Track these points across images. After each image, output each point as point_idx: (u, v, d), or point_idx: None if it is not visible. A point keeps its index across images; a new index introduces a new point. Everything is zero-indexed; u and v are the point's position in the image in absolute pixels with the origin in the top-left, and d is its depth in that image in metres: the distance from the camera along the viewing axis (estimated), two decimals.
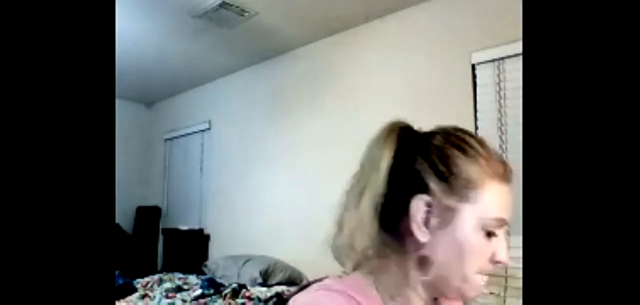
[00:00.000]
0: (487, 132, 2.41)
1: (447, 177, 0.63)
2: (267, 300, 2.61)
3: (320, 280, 0.71)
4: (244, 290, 2.78)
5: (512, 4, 1.72)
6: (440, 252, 0.64)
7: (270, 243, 3.47)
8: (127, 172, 4.51)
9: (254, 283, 2.99)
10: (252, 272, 3.09)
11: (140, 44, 3.44)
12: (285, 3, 2.85)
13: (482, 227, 0.63)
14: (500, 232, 0.64)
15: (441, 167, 0.64)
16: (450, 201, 0.63)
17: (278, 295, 2.66)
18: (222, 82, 4.23)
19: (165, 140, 4.82)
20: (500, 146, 2.36)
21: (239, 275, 3.15)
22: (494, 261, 0.64)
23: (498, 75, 2.41)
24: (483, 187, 0.63)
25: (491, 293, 2.25)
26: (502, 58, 2.38)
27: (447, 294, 0.67)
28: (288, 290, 2.74)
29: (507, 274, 2.22)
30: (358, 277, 0.68)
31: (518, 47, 2.26)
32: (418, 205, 0.64)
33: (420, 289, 0.67)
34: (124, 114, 4.49)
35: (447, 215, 0.63)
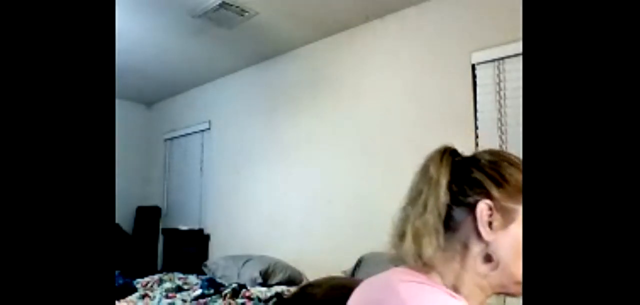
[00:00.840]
0: (487, 132, 2.42)
1: (503, 184, 0.74)
2: (267, 300, 2.62)
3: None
4: (244, 290, 2.78)
5: (512, 4, 1.72)
6: (502, 250, 0.73)
7: (270, 243, 3.47)
8: (127, 172, 4.51)
9: (254, 283, 2.99)
10: (252, 272, 3.09)
11: (140, 44, 3.44)
12: (285, 3, 2.85)
13: None
14: None
15: (496, 176, 0.74)
16: (508, 204, 0.73)
17: (278, 295, 2.66)
18: (222, 82, 4.23)
19: (165, 140, 4.83)
20: (500, 146, 2.36)
21: (239, 275, 3.16)
22: None
23: (498, 75, 2.41)
24: None
25: None
26: (502, 58, 2.38)
27: (509, 289, 0.74)
28: (288, 290, 2.74)
29: None
30: (424, 273, 0.76)
31: (518, 47, 2.26)
32: (483, 209, 0.73)
33: (482, 285, 0.74)
34: (124, 114, 4.50)
35: (506, 218, 0.73)
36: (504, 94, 2.39)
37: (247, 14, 2.93)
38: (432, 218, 0.74)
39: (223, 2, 2.78)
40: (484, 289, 0.75)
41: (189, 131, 4.53)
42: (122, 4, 2.77)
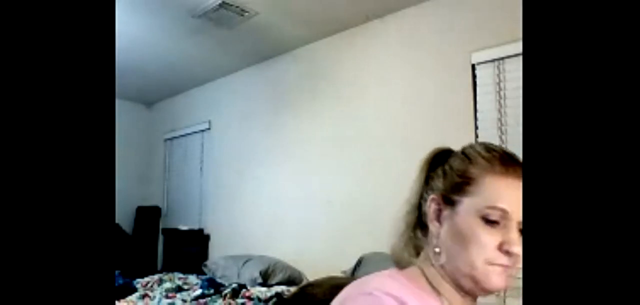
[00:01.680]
0: (487, 132, 2.41)
1: (447, 175, 0.76)
2: (267, 300, 2.61)
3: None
4: (244, 290, 2.78)
5: (512, 4, 1.72)
6: (448, 240, 0.73)
7: (270, 243, 3.47)
8: (127, 172, 4.51)
9: (254, 283, 2.99)
10: (252, 272, 3.09)
11: (140, 44, 3.44)
12: (285, 3, 2.85)
13: (481, 216, 0.70)
14: (509, 225, 0.69)
15: (446, 170, 0.76)
16: (452, 195, 0.73)
17: (278, 295, 2.66)
18: (222, 82, 4.23)
19: (165, 140, 4.82)
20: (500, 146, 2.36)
21: (239, 275, 3.15)
22: (503, 251, 0.69)
23: (498, 75, 2.41)
24: (482, 182, 0.71)
25: None
26: (502, 58, 2.38)
27: (463, 283, 0.72)
28: (288, 290, 2.74)
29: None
30: (413, 271, 0.78)
31: (518, 47, 2.26)
32: (430, 203, 0.76)
33: (455, 282, 0.73)
34: (124, 114, 4.50)
35: (452, 208, 0.73)
36: (504, 94, 2.39)
37: (247, 14, 2.93)
38: (407, 218, 0.79)
39: (223, 2, 2.78)
40: (459, 286, 0.73)
41: (189, 131, 4.52)
42: (122, 4, 2.77)
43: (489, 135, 2.40)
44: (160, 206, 4.76)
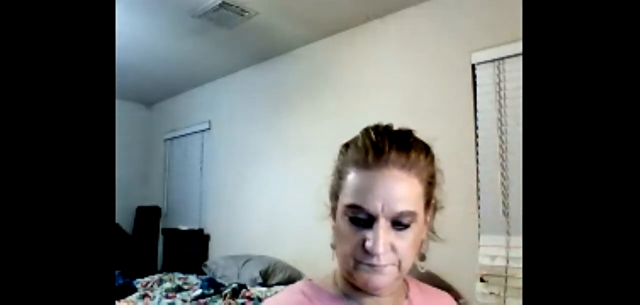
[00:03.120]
0: (487, 132, 2.41)
1: (334, 169, 0.73)
2: None
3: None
4: (244, 290, 2.78)
5: (512, 4, 1.72)
6: (335, 239, 0.71)
7: (270, 243, 3.47)
8: (127, 172, 4.51)
9: (254, 283, 2.99)
10: (252, 272, 3.09)
11: (140, 44, 3.44)
12: (285, 3, 2.85)
13: (346, 214, 0.67)
14: (377, 222, 0.64)
15: (336, 162, 0.73)
16: (334, 191, 0.72)
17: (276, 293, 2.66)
18: (222, 82, 4.23)
19: (165, 140, 4.83)
20: (500, 146, 2.36)
21: (239, 275, 3.16)
22: (366, 250, 0.64)
23: (498, 75, 2.41)
24: (347, 178, 0.68)
25: (491, 293, 2.25)
26: (502, 58, 2.38)
27: (352, 280, 0.68)
28: None
29: (507, 274, 2.22)
30: (328, 275, 0.76)
31: (518, 47, 2.26)
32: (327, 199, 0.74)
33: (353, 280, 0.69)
34: (124, 114, 4.49)
35: (334, 206, 0.72)
36: (504, 94, 2.39)
37: (247, 14, 2.93)
38: (328, 208, 0.76)
39: (223, 2, 2.78)
40: (357, 289, 0.69)
41: (189, 131, 4.53)
42: (122, 4, 2.77)
43: (489, 135, 2.40)
44: (160, 206, 4.76)
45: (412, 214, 0.65)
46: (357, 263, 0.65)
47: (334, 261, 0.73)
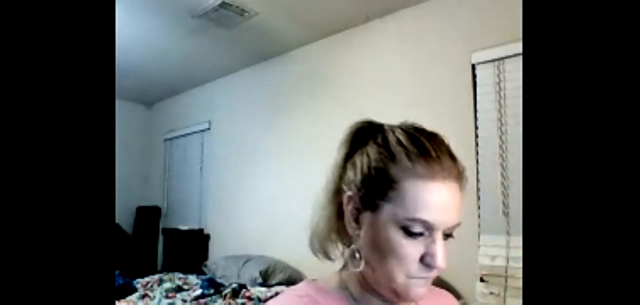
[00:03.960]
0: (487, 132, 2.41)
1: (367, 170, 0.64)
2: (267, 300, 2.61)
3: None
4: (244, 290, 2.78)
5: (512, 4, 1.72)
6: (366, 247, 0.65)
7: (270, 243, 3.47)
8: (127, 172, 4.51)
9: (254, 283, 2.99)
10: (252, 272, 3.09)
11: (140, 44, 3.44)
12: (285, 3, 2.85)
13: (402, 226, 0.61)
14: (434, 235, 0.61)
15: (363, 161, 0.65)
16: (372, 199, 0.63)
17: (278, 295, 2.66)
18: (222, 82, 4.23)
19: (165, 140, 4.82)
20: (500, 146, 2.36)
21: (239, 275, 3.16)
22: (426, 264, 0.62)
23: (498, 75, 2.41)
24: (402, 187, 0.61)
25: (491, 293, 2.25)
26: (502, 58, 2.38)
27: (382, 292, 0.65)
28: None
29: (507, 274, 2.22)
30: (333, 276, 0.72)
31: (518, 47, 2.26)
32: (346, 202, 0.66)
33: (367, 288, 0.67)
34: (124, 114, 4.49)
35: (372, 213, 0.64)
36: (504, 94, 2.38)
37: (247, 14, 2.93)
38: (325, 212, 0.71)
39: (223, 2, 2.78)
40: (379, 295, 0.66)
41: (189, 131, 4.53)
42: (122, 4, 2.77)
43: (489, 135, 2.40)
44: (160, 206, 4.76)
45: (459, 224, 0.64)
46: (409, 278, 0.62)
47: (336, 263, 0.72)
